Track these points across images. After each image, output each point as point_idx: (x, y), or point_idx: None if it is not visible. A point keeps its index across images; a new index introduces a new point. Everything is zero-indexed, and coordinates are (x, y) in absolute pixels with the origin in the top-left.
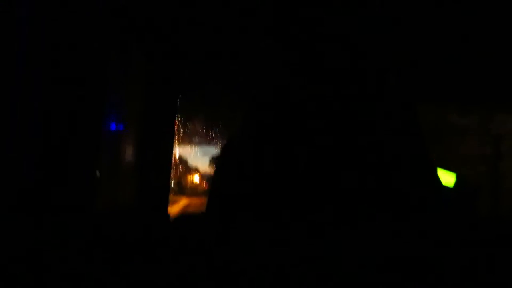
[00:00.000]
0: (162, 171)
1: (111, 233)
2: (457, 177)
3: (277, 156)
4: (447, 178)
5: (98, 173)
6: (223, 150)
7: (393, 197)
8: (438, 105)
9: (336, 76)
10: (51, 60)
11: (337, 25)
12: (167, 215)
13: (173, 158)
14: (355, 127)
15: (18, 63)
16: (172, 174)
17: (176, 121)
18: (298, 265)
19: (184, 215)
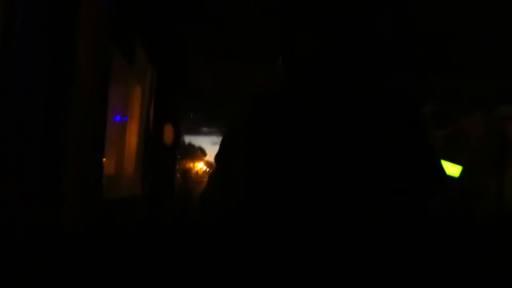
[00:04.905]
0: (166, 160)
1: (119, 222)
2: (462, 171)
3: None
4: (452, 170)
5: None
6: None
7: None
8: (443, 99)
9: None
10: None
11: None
12: (169, 205)
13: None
14: (357, 125)
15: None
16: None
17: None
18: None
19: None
